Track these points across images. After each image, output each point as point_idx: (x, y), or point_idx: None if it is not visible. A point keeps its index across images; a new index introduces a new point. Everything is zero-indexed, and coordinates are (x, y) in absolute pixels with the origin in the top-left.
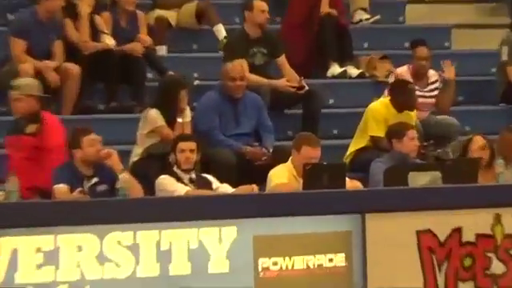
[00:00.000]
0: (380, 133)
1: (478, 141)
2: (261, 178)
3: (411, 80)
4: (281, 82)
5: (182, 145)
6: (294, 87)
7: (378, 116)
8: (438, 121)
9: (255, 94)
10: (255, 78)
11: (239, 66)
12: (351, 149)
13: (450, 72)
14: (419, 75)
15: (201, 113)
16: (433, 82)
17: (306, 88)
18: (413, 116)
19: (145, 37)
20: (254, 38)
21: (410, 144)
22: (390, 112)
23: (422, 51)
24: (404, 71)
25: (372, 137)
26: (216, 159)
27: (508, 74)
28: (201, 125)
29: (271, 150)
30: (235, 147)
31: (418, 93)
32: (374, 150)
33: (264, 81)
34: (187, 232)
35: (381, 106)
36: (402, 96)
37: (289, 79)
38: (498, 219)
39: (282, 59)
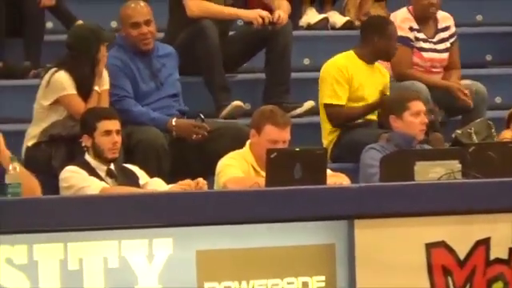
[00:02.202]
0: (337, 98)
1: None
2: (209, 169)
3: (417, 27)
4: (252, 13)
5: (106, 124)
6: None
7: (334, 73)
8: None
9: (166, 45)
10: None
11: (142, 5)
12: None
13: None
14: (424, 18)
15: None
16: (444, 29)
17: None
18: (386, 75)
19: None
20: None
21: (414, 121)
22: (354, 65)
23: None
24: (402, 15)
25: (326, 106)
26: (139, 142)
27: None
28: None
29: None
30: (160, 121)
31: (423, 45)
32: (368, 131)
33: (227, 10)
34: (104, 245)
35: (340, 60)
36: (377, 37)
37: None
38: None
39: None
